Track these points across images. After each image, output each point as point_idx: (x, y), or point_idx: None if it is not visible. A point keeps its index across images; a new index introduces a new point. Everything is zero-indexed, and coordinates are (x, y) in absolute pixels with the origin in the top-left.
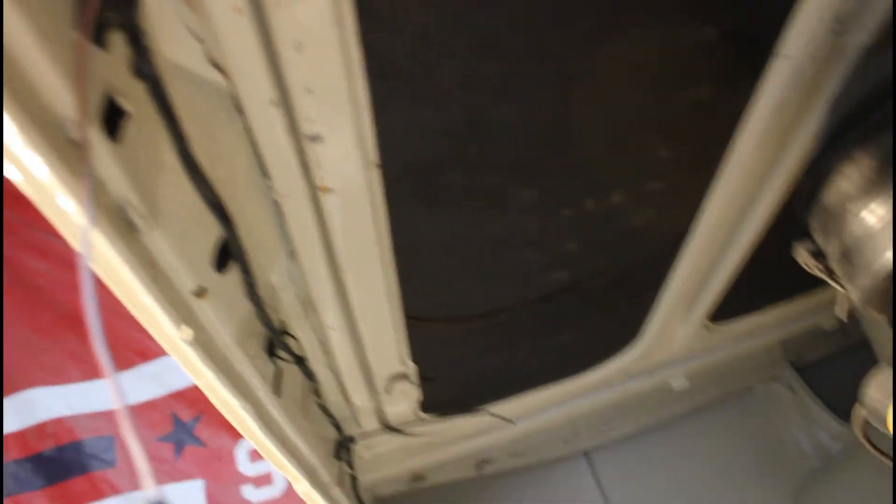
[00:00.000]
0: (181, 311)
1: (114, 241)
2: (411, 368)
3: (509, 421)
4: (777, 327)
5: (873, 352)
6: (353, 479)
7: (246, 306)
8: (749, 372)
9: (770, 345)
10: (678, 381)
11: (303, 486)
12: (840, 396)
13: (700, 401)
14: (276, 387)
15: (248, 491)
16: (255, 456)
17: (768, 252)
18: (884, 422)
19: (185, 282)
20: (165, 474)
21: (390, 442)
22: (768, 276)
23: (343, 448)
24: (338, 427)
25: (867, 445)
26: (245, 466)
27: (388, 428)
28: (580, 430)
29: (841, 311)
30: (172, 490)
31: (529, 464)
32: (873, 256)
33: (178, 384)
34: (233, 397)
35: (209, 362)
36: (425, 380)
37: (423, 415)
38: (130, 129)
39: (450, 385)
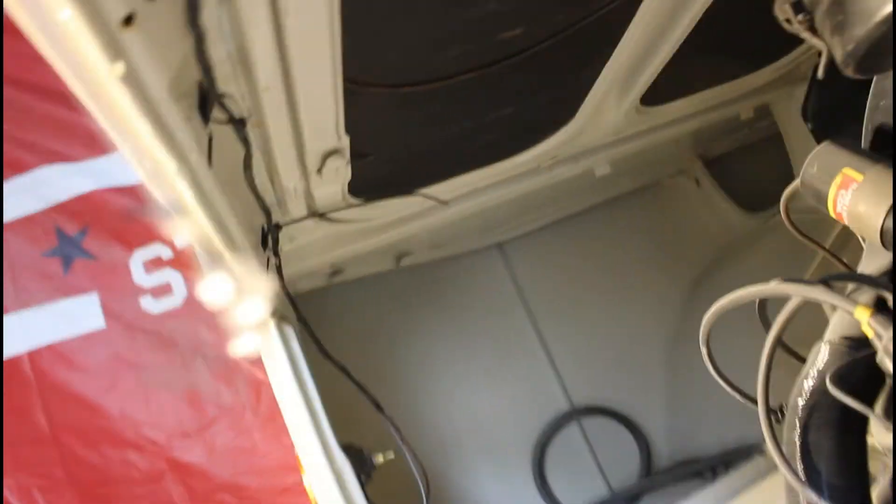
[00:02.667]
0: (108, 43)
1: None
2: (345, 142)
3: (442, 202)
4: (702, 113)
5: (781, 146)
6: (280, 269)
7: (180, 48)
8: (660, 164)
9: (686, 134)
10: (601, 168)
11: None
12: (743, 189)
13: (611, 193)
14: (209, 154)
15: (146, 302)
16: (151, 266)
17: (711, 28)
18: (824, 200)
19: (109, 5)
20: (56, 290)
21: (313, 232)
22: (705, 57)
23: (270, 236)
24: (267, 213)
25: (789, 224)
26: (141, 278)
27: (316, 215)
28: (498, 222)
29: (821, 70)
30: (66, 305)
31: (445, 256)
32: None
33: (56, 196)
34: (169, 157)
35: (144, 108)
36: (358, 156)
37: (351, 199)
38: None
39: (382, 163)
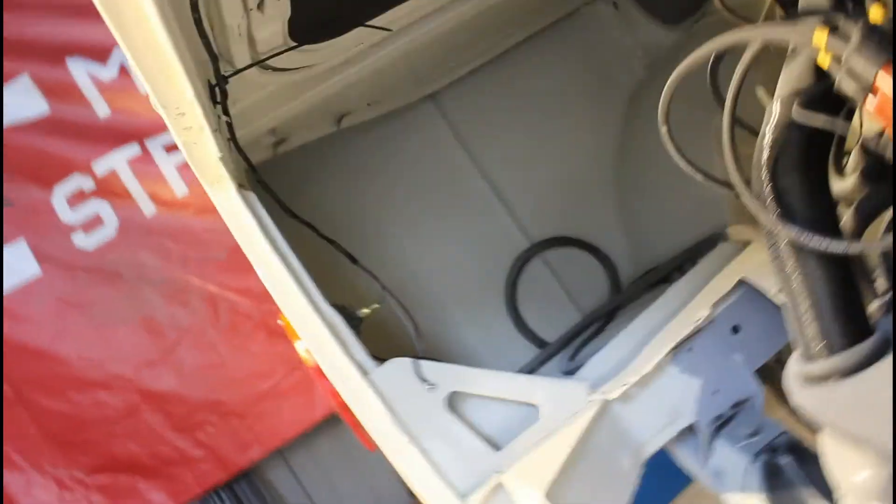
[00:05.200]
0: None
1: None
2: None
3: (386, 29)
4: None
5: None
6: (231, 127)
7: None
8: None
9: None
10: None
11: (189, 122)
12: (659, 4)
13: (533, 27)
14: None
15: (79, 239)
16: (75, 201)
17: None
18: None
19: None
20: None
21: (256, 88)
22: None
23: (218, 87)
24: (214, 59)
25: (720, 4)
26: (67, 215)
27: (259, 62)
28: (428, 68)
29: None
30: None
31: (383, 113)
32: None
33: None
34: None
35: None
36: None
37: (291, 41)
38: None
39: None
